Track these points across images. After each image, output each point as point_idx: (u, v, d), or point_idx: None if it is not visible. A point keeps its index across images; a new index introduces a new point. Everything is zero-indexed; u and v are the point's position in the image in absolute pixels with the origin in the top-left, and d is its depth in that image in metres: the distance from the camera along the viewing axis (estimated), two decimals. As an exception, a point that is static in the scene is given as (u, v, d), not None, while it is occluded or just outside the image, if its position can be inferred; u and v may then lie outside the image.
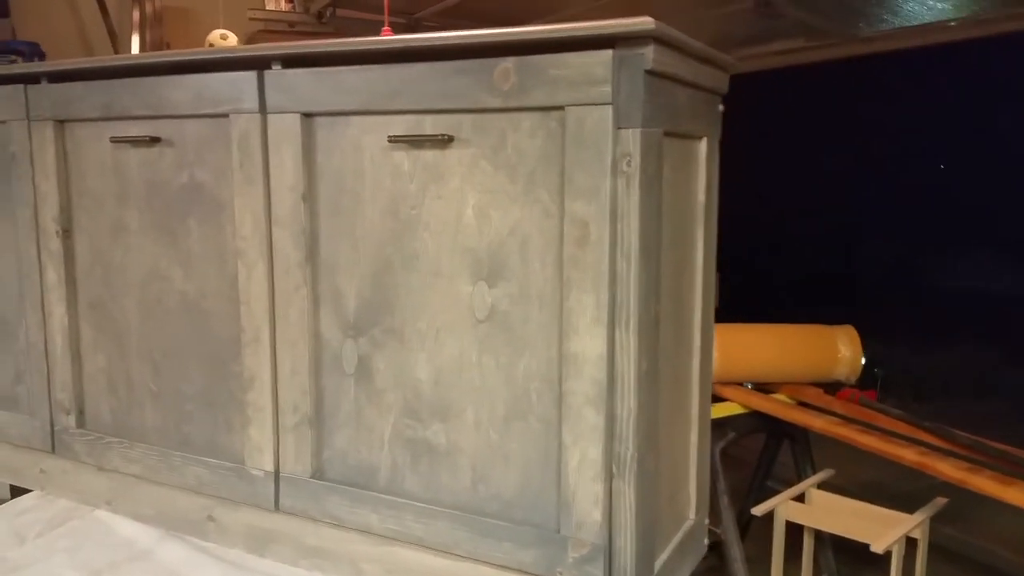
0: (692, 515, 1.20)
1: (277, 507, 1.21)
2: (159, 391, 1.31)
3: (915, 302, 3.47)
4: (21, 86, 1.34)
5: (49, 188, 1.34)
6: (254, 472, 1.22)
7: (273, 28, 3.59)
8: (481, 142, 1.00)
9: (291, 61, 1.12)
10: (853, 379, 2.51)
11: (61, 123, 1.33)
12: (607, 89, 0.90)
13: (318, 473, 1.18)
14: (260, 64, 1.13)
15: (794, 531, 2.17)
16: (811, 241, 3.76)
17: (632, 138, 0.90)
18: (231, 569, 1.22)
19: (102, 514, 1.41)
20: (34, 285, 1.39)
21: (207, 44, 1.43)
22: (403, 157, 1.05)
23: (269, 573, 1.21)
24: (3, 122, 1.39)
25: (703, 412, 1.18)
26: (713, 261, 1.17)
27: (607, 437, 0.96)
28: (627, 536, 0.98)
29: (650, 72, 0.89)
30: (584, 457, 0.97)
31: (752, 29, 3.00)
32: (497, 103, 0.97)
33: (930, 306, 3.45)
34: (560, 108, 0.94)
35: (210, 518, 1.30)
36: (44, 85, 1.33)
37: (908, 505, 2.05)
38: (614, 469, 0.97)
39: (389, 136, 1.03)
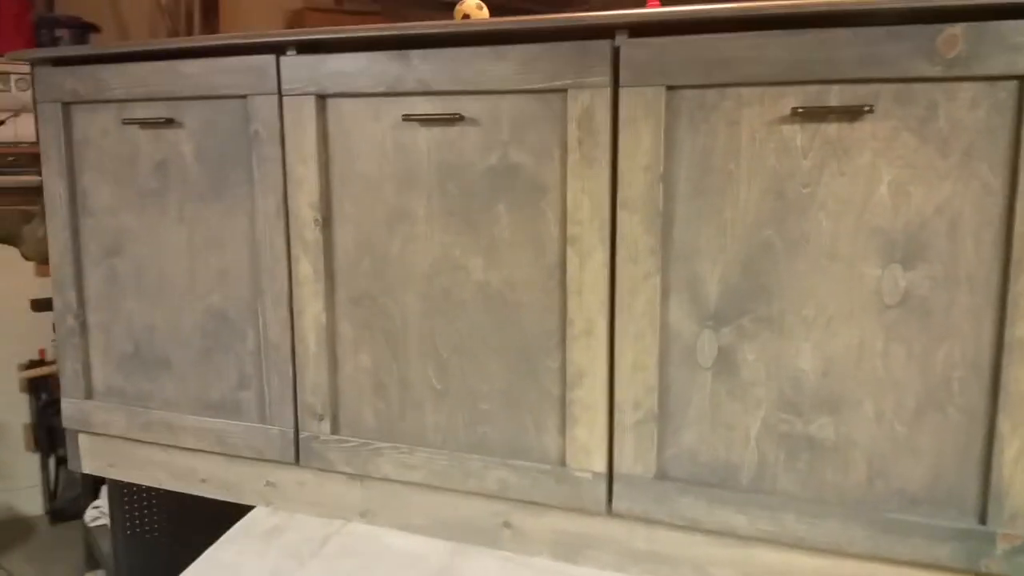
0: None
1: (609, 510, 1.12)
2: (445, 390, 1.20)
3: None
4: (271, 56, 1.21)
5: (307, 172, 1.22)
6: (579, 474, 1.13)
7: (316, 5, 3.43)
8: (904, 113, 0.93)
9: (644, 29, 1.02)
10: None
11: (323, 99, 1.20)
12: (1087, 56, 0.84)
13: (661, 473, 1.10)
14: (605, 33, 1.04)
15: None
16: None
17: (1114, 108, 0.84)
18: (560, 580, 1.14)
19: (359, 527, 1.30)
20: (279, 280, 1.26)
21: (459, 16, 1.30)
22: (795, 131, 0.98)
23: (602, 582, 1.13)
24: (241, 96, 1.25)
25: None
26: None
27: (1055, 425, 0.91)
28: (1059, 526, 0.93)
29: None
30: (1026, 446, 0.92)
31: None
32: (936, 72, 0.90)
33: None
34: (1015, 78, 0.88)
35: (506, 524, 1.21)
36: (296, 57, 1.20)
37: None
38: (1052, 458, 0.92)
39: (793, 108, 0.96)
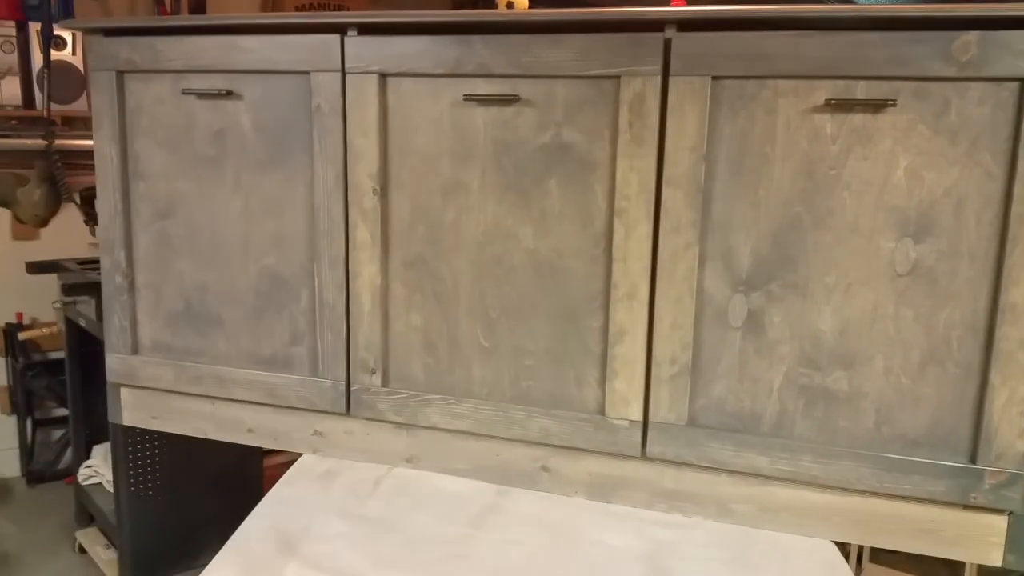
0: None
1: (643, 454, 1.26)
2: (492, 347, 1.32)
3: None
4: (336, 36, 1.30)
5: (367, 145, 1.31)
6: (616, 422, 1.26)
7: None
8: (920, 108, 1.07)
9: (690, 24, 1.14)
10: None
11: (384, 77, 1.29)
12: (1081, 64, 0.99)
13: (692, 421, 1.24)
14: (655, 26, 1.15)
15: None
16: None
17: (1102, 109, 1.00)
18: (602, 515, 1.27)
19: (406, 472, 1.41)
20: (336, 244, 1.36)
21: (503, 3, 1.41)
22: (826, 120, 1.11)
23: (640, 517, 1.27)
24: (303, 72, 1.33)
25: None
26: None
27: (1038, 377, 1.07)
28: (1038, 464, 1.10)
29: (1123, 49, 0.99)
30: (1013, 395, 1.08)
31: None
32: (951, 72, 1.04)
33: None
34: (1017, 80, 1.02)
35: (544, 468, 1.34)
36: (360, 38, 1.29)
37: None
38: (1034, 405, 1.09)
39: (826, 99, 1.09)
